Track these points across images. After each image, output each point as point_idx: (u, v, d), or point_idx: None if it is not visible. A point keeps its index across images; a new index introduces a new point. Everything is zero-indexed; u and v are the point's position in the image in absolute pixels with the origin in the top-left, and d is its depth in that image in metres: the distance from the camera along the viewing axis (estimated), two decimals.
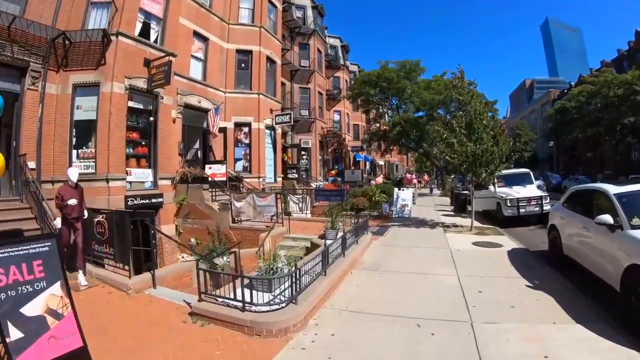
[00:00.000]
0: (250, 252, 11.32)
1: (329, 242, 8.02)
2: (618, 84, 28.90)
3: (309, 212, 16.32)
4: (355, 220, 10.68)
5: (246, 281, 6.16)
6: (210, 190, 15.44)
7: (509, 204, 13.45)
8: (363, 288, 6.45)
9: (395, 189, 16.21)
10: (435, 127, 12.87)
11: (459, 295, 5.98)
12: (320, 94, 29.19)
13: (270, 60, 20.86)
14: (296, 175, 23.76)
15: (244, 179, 18.17)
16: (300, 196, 15.87)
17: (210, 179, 16.09)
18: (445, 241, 10.47)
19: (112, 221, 8.42)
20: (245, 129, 19.31)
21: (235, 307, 5.16)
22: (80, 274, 7.76)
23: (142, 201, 12.73)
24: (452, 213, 17.36)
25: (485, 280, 6.71)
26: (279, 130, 21.17)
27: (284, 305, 5.09)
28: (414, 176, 26.52)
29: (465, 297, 5.87)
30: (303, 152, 27.00)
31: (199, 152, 18.65)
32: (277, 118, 20.05)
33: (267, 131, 20.10)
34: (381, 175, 30.85)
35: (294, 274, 5.08)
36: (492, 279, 6.83)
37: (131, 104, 12.59)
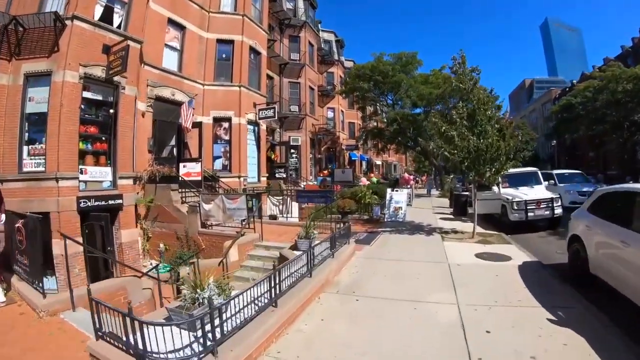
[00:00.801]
0: (216, 263, 9.75)
1: (298, 253, 6.38)
2: (627, 79, 27.28)
3: (293, 215, 14.72)
4: (339, 226, 9.06)
5: (164, 314, 4.57)
6: (180, 190, 13.90)
7: (515, 207, 11.79)
8: (328, 324, 4.77)
9: (388, 190, 14.54)
10: (433, 119, 11.16)
11: (459, 337, 4.32)
12: (312, 89, 27.48)
13: (254, 51, 19.26)
14: (284, 175, 22.11)
15: (223, 179, 16.66)
16: (281, 198, 14.22)
17: (184, 178, 14.66)
18: (442, 252, 8.81)
19: (28, 228, 6.85)
20: (225, 124, 17.74)
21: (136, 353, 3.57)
22: None
23: (97, 203, 11.25)
24: (452, 216, 15.72)
25: (494, 312, 5.06)
26: (263, 126, 19.53)
27: (202, 356, 3.46)
28: (411, 176, 24.74)
29: (468, 341, 4.20)
30: (292, 151, 25.32)
31: (174, 149, 17.09)
32: (260, 112, 18.43)
33: (250, 127, 18.48)
34: (373, 175, 29.06)
35: (209, 316, 3.43)
36: (503, 309, 5.16)
37: (88, 94, 11.13)
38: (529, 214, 11.69)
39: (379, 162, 52.00)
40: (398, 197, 14.06)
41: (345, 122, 37.17)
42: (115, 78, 11.60)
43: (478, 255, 8.30)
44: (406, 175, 24.55)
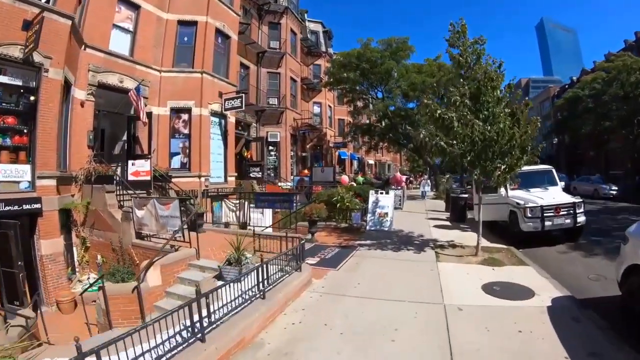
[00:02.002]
0: (130, 288, 7.26)
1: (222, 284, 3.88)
2: (639, 69, 24.91)
3: (265, 222, 12.23)
4: (306, 239, 6.57)
5: None
6: (118, 193, 11.45)
7: (529, 215, 9.31)
8: None
9: (371, 192, 12.00)
10: (424, 101, 8.49)
11: None
12: (294, 80, 24.86)
13: (222, 34, 16.75)
14: (259, 174, 19.58)
15: (181, 179, 14.36)
16: (237, 202, 11.73)
17: (132, 177, 12.60)
18: (436, 281, 6.28)
19: None
20: (185, 116, 15.28)
21: None
22: None
23: (8, 208, 8.90)
24: (448, 223, 13.27)
25: None
26: (231, 119, 17.00)
27: None
28: (404, 177, 22.00)
29: None
30: (271, 148, 22.76)
31: (126, 144, 14.65)
32: (226, 103, 15.95)
33: (215, 119, 15.97)
34: (359, 174, 26.38)
35: None
36: None
37: (4, 79, 8.94)
38: (546, 222, 9.22)
39: (371, 162, 49.58)
40: (384, 201, 11.56)
41: (334, 119, 34.62)
42: (37, 59, 9.31)
43: (487, 289, 5.77)
44: (398, 175, 21.93)
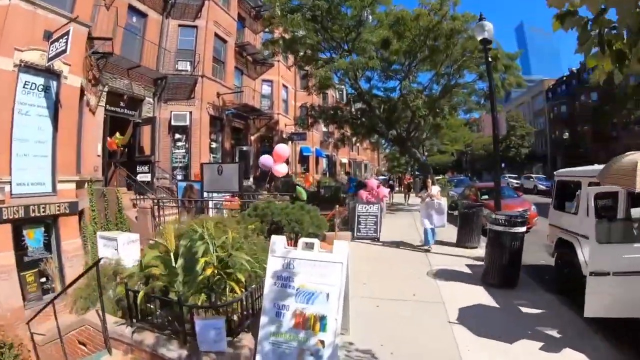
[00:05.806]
0: None
1: None
2: None
3: None
4: None
5: None
6: None
7: None
8: None
9: (275, 242, 3.88)
10: None
11: None
12: (223, 40, 16.84)
13: None
14: (148, 177, 11.91)
15: None
16: None
17: None
18: None
19: None
20: None
21: None
22: None
23: None
24: (483, 289, 5.86)
25: None
26: (71, 80, 9.00)
27: None
28: (374, 178, 14.09)
29: None
30: (179, 135, 14.90)
31: None
32: (51, 47, 8.22)
33: (33, 79, 8.17)
34: (301, 176, 17.99)
35: None
36: None
37: None
38: None
39: (345, 160, 42.12)
40: (317, 283, 3.75)
41: (293, 105, 26.84)
42: None
43: None
44: (370, 181, 13.79)
